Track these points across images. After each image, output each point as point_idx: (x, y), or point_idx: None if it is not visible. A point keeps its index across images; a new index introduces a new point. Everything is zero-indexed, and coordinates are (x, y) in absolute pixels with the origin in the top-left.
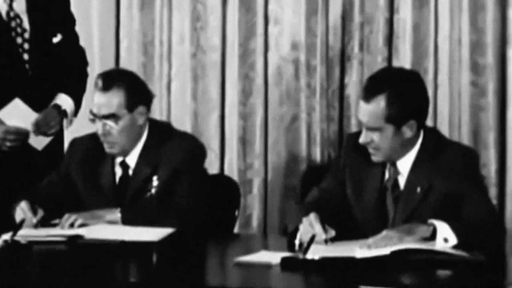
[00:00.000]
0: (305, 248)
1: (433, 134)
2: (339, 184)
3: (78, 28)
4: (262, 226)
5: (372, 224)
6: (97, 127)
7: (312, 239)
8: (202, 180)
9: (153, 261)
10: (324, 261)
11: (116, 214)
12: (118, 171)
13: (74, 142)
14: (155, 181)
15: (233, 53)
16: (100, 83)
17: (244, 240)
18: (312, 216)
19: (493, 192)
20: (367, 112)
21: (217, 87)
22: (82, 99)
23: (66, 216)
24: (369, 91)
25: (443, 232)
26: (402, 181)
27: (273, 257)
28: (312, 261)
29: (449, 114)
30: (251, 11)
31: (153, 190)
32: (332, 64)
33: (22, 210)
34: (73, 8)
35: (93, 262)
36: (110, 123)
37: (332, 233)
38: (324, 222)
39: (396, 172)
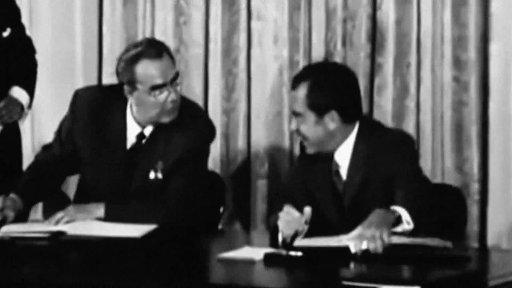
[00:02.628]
0: (288, 244)
1: (368, 124)
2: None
3: (60, 24)
4: (245, 222)
5: (331, 211)
6: (168, 92)
7: (295, 235)
8: (198, 176)
9: (136, 257)
10: (307, 256)
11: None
12: (131, 138)
13: (79, 92)
14: (161, 165)
15: (216, 49)
16: (152, 51)
17: (227, 236)
18: (286, 207)
19: (475, 187)
20: (293, 97)
21: (200, 83)
22: (35, 90)
23: (57, 214)
24: (295, 78)
25: (405, 217)
26: (343, 172)
27: (256, 253)
28: (295, 256)
29: (431, 109)
30: (234, 6)
31: (159, 174)
32: (315, 59)
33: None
34: (56, 3)
35: (75, 258)
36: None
37: (308, 210)
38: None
39: (336, 165)
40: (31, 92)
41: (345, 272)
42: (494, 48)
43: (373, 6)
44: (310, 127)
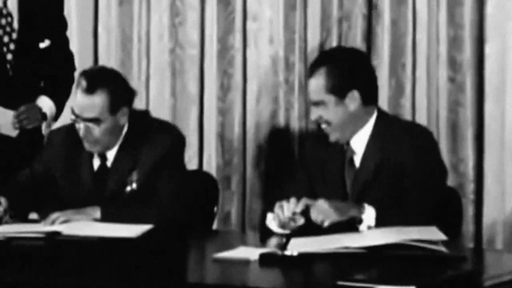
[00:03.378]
0: (283, 244)
1: (386, 115)
2: (306, 180)
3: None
4: (240, 223)
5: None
6: (78, 126)
7: (289, 237)
8: (182, 174)
9: (131, 258)
10: (303, 257)
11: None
12: (96, 162)
13: (52, 133)
14: (135, 175)
15: (211, 49)
16: (84, 84)
17: (223, 236)
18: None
19: (470, 187)
20: (310, 86)
21: (195, 83)
22: (65, 105)
23: (53, 214)
24: (311, 67)
25: (369, 220)
26: (357, 160)
27: (252, 253)
28: (291, 257)
29: (427, 109)
30: (229, 7)
31: (134, 185)
32: (311, 60)
33: None
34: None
35: (71, 259)
36: (92, 125)
37: (301, 220)
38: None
39: (351, 152)
40: (59, 106)
41: (340, 272)
42: (489, 49)
43: (369, 6)
44: (331, 110)
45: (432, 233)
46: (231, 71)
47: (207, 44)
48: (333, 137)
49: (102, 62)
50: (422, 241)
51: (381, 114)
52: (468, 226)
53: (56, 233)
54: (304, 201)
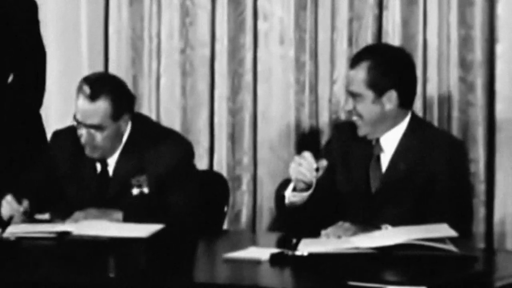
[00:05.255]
0: (294, 244)
1: (420, 120)
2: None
3: (67, 24)
4: (251, 222)
5: (356, 199)
6: (80, 132)
7: (300, 238)
8: (195, 179)
9: (142, 258)
10: (313, 257)
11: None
12: (98, 167)
13: (57, 134)
14: (144, 179)
15: (222, 49)
16: (87, 90)
17: (233, 236)
18: (305, 152)
19: (481, 188)
20: (350, 77)
21: (206, 83)
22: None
23: (75, 214)
24: (355, 58)
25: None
26: (384, 158)
27: (262, 253)
28: (301, 257)
29: (438, 109)
30: (240, 6)
31: (145, 189)
32: (321, 60)
33: (7, 203)
34: (62, 4)
35: (81, 259)
36: (94, 132)
37: (324, 163)
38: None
39: (380, 149)
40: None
41: (351, 272)
42: (500, 49)
43: (379, 6)
44: (367, 105)
45: (443, 231)
46: (242, 71)
47: (218, 44)
48: (362, 131)
49: (112, 62)
50: (432, 240)
51: (415, 118)
52: (479, 227)
53: (67, 233)
54: (323, 162)
